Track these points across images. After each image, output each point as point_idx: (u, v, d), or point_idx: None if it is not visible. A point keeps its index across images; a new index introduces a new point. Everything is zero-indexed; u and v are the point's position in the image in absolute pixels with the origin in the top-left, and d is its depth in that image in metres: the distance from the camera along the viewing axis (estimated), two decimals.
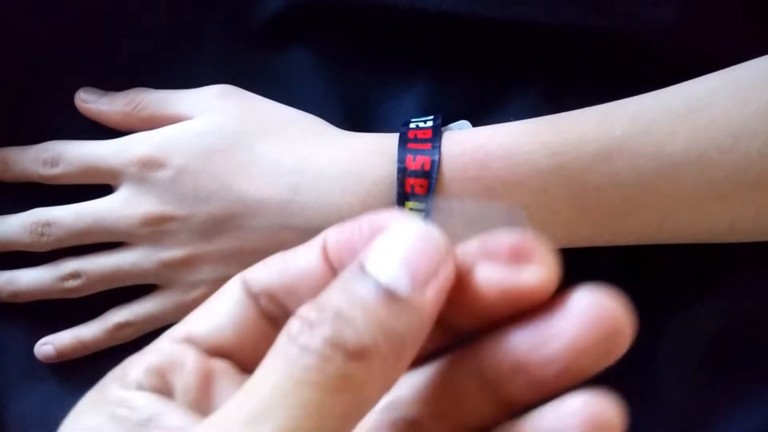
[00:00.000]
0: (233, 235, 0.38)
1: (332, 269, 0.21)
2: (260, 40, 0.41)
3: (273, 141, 0.38)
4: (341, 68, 0.42)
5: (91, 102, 0.41)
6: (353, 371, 0.18)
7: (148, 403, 0.20)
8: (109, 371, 0.23)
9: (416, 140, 0.37)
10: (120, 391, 0.21)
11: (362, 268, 0.19)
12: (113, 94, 0.41)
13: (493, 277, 0.19)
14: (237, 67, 0.41)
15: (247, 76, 0.41)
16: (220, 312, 0.22)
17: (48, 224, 0.40)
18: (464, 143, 0.37)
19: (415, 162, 0.36)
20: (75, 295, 0.40)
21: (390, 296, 0.18)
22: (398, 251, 0.19)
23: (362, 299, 0.18)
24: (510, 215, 0.21)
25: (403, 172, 0.36)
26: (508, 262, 0.19)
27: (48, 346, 0.41)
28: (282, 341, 0.18)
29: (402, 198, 0.36)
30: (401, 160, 0.36)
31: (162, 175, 0.38)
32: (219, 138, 0.38)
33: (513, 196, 0.36)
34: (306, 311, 0.18)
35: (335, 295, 0.19)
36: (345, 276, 0.19)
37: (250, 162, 0.38)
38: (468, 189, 0.36)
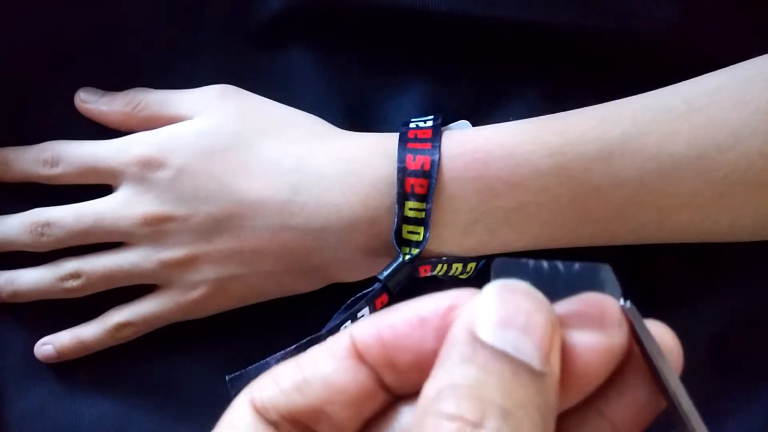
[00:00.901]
0: (233, 235, 0.38)
1: (373, 373, 0.19)
2: (260, 40, 0.41)
3: (273, 141, 0.38)
4: (341, 68, 0.42)
5: (90, 102, 0.41)
6: None
7: None
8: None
9: (416, 140, 0.37)
10: None
11: (477, 339, 0.17)
12: (113, 94, 0.41)
13: (590, 341, 0.18)
14: (237, 67, 0.41)
15: (247, 76, 0.41)
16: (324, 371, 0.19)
17: (48, 224, 0.40)
18: (464, 143, 0.37)
19: (415, 162, 0.36)
20: (75, 296, 0.40)
21: (526, 369, 0.17)
22: (517, 320, 0.17)
23: (503, 378, 0.16)
24: (582, 275, 0.19)
25: (403, 171, 0.36)
26: (596, 325, 0.18)
27: (48, 346, 0.41)
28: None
29: (402, 198, 0.36)
30: (401, 159, 0.36)
31: (162, 175, 0.38)
32: (219, 138, 0.38)
33: (513, 196, 0.36)
34: (459, 410, 0.16)
35: (491, 391, 0.16)
36: (462, 353, 0.17)
37: (250, 162, 0.38)
38: (468, 189, 0.36)
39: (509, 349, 0.17)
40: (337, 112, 0.41)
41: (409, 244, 0.36)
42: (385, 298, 0.36)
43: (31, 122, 0.42)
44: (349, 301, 0.36)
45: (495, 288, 0.18)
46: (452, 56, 0.41)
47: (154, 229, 0.38)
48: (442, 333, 0.18)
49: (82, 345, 0.41)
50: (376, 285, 0.36)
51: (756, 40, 0.39)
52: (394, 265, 0.36)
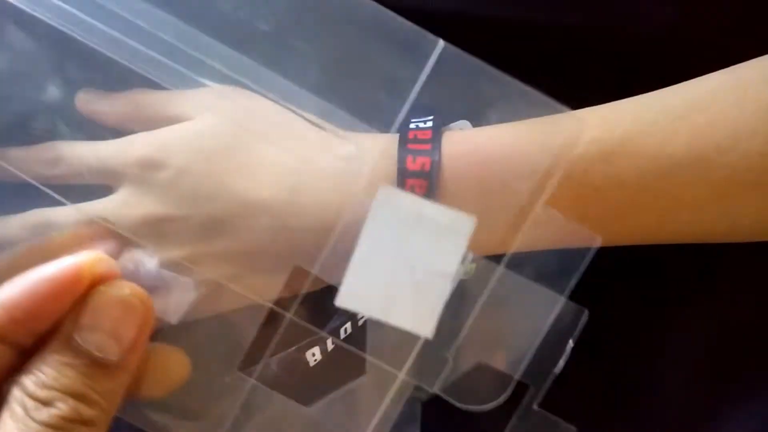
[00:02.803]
0: (233, 235, 0.38)
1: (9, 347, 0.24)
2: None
3: (273, 141, 0.38)
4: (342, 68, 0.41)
5: (91, 102, 0.41)
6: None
7: None
8: None
9: (416, 140, 0.37)
10: None
11: (72, 343, 0.23)
12: (113, 94, 0.41)
13: None
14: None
15: None
16: None
17: (48, 225, 0.40)
18: (464, 144, 0.37)
19: (415, 162, 0.36)
20: None
21: (103, 364, 0.23)
22: (106, 324, 0.23)
23: (81, 373, 0.23)
24: None
25: (403, 172, 0.36)
26: None
27: None
28: (18, 412, 0.22)
29: None
30: (401, 160, 0.36)
31: (162, 175, 0.38)
32: (219, 138, 0.38)
33: (513, 197, 0.36)
34: (34, 390, 0.22)
35: (60, 374, 0.23)
36: (56, 351, 0.23)
37: (250, 163, 0.38)
38: (468, 190, 0.36)
39: (91, 348, 0.23)
40: (338, 112, 0.41)
41: None
42: None
43: (30, 122, 0.42)
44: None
45: (93, 296, 0.24)
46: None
47: (153, 230, 0.38)
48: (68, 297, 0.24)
49: None
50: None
51: (756, 41, 0.38)
52: None
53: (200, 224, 0.38)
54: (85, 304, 0.24)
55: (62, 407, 0.22)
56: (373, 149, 0.38)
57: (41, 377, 0.23)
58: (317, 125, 0.40)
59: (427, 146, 0.37)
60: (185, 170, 0.38)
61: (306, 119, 0.40)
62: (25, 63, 0.41)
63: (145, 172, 0.38)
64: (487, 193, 0.36)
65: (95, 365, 0.23)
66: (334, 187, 0.37)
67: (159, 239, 0.38)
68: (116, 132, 0.41)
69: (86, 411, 0.23)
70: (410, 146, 0.37)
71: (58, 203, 0.40)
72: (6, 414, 0.22)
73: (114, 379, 0.24)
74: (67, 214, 0.40)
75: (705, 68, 0.37)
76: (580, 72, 0.40)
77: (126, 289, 0.25)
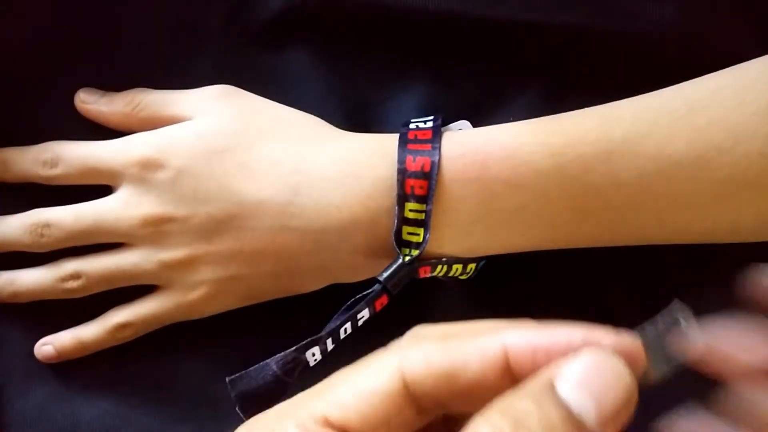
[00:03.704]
0: (233, 236, 0.38)
1: (512, 380, 0.22)
2: (260, 40, 0.41)
3: (273, 142, 0.38)
4: (341, 68, 0.41)
5: (90, 102, 0.41)
6: None
7: None
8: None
9: (416, 141, 0.37)
10: None
11: (553, 388, 0.20)
12: (113, 94, 0.41)
13: None
14: (237, 67, 0.41)
15: (246, 76, 0.41)
16: (375, 405, 0.22)
17: (48, 225, 0.40)
18: (464, 144, 0.37)
19: (415, 163, 0.36)
20: (75, 296, 0.40)
21: (577, 424, 0.20)
22: (591, 382, 0.20)
23: (552, 422, 0.20)
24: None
25: (403, 173, 0.36)
26: None
27: (48, 346, 0.41)
28: None
29: (402, 199, 0.36)
30: (401, 161, 0.36)
31: (161, 175, 0.38)
32: (218, 139, 0.38)
33: (513, 197, 0.35)
34: (499, 422, 0.20)
35: (529, 415, 0.20)
36: (535, 392, 0.20)
37: (250, 163, 0.38)
38: (468, 190, 0.36)
39: (571, 402, 0.20)
40: (337, 112, 0.41)
41: (409, 245, 0.36)
42: (385, 299, 0.36)
43: (32, 122, 0.42)
44: (348, 303, 0.36)
45: (589, 355, 0.21)
46: (452, 56, 0.41)
47: (154, 230, 0.38)
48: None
49: (81, 345, 0.41)
50: (376, 286, 0.36)
51: (756, 41, 0.39)
52: (394, 266, 0.36)
53: (200, 224, 0.38)
54: (575, 359, 0.21)
55: None
56: (374, 149, 0.38)
57: (519, 415, 0.20)
58: (317, 126, 0.40)
59: (427, 146, 0.37)
60: (185, 170, 0.38)
61: (306, 120, 0.40)
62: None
63: (145, 172, 0.38)
64: (487, 194, 0.36)
65: (570, 423, 0.20)
66: (335, 187, 0.37)
67: (159, 239, 0.38)
68: (116, 132, 0.41)
69: None
70: (410, 146, 0.37)
71: (59, 204, 0.40)
72: None
73: None
74: (66, 214, 0.40)
75: (705, 68, 0.37)
76: (580, 72, 0.40)
77: (620, 359, 0.21)
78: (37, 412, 0.42)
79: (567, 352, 0.21)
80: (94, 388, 0.42)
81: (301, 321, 0.39)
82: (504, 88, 0.41)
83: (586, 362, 0.21)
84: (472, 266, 0.38)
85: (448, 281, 0.39)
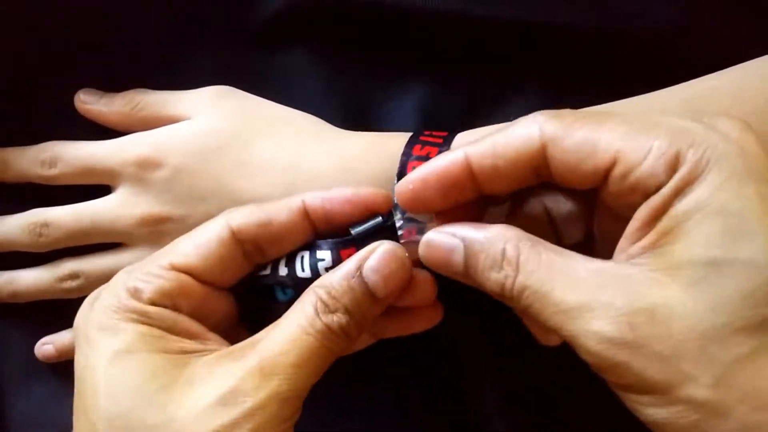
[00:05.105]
0: None
1: (312, 226, 0.32)
2: (260, 40, 0.41)
3: (269, 140, 0.38)
4: (341, 69, 0.41)
5: (90, 103, 0.41)
6: (344, 340, 0.30)
7: (169, 315, 0.30)
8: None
9: (431, 135, 0.37)
10: (140, 305, 0.30)
11: (361, 274, 0.30)
12: (112, 95, 0.41)
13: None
14: (237, 67, 0.41)
15: (246, 76, 0.41)
16: (210, 250, 0.31)
17: (46, 224, 0.40)
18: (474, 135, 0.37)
19: (422, 150, 0.36)
20: (74, 296, 0.41)
21: (373, 296, 0.30)
22: (384, 268, 0.30)
23: (359, 298, 0.30)
24: None
25: (407, 155, 0.35)
26: None
27: (49, 345, 0.41)
28: (309, 311, 0.29)
29: (400, 177, 0.35)
30: (408, 150, 0.36)
31: (159, 175, 0.38)
32: (215, 137, 0.38)
33: None
34: (327, 299, 0.30)
35: (343, 292, 0.30)
36: (348, 274, 0.30)
37: (246, 161, 0.38)
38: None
39: (370, 282, 0.30)
40: (337, 113, 0.41)
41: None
42: (353, 251, 0.33)
43: (31, 123, 0.42)
44: (315, 241, 0.33)
45: (384, 247, 0.30)
46: (452, 57, 0.41)
47: (151, 230, 0.38)
48: (357, 208, 0.32)
49: None
50: (347, 237, 0.33)
51: (756, 40, 0.38)
52: (370, 224, 0.33)
53: (198, 223, 0.38)
54: (377, 251, 0.30)
55: (341, 317, 0.29)
56: (370, 145, 0.38)
57: (333, 290, 0.30)
58: (314, 124, 0.40)
59: (439, 140, 0.36)
60: (182, 169, 0.38)
61: (303, 118, 0.40)
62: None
63: (143, 171, 0.38)
64: None
65: (367, 294, 0.30)
66: (330, 183, 0.37)
67: (157, 239, 0.38)
68: (116, 133, 0.41)
69: (351, 326, 0.30)
70: (422, 138, 0.36)
71: (57, 203, 0.40)
72: (300, 307, 0.30)
73: (374, 309, 0.31)
74: (65, 213, 0.40)
75: (705, 68, 0.37)
76: (580, 72, 0.40)
77: (403, 251, 0.31)
78: (37, 412, 0.42)
79: (344, 203, 0.32)
80: None
81: None
82: (504, 88, 0.41)
83: (381, 253, 0.30)
84: None
85: None
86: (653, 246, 0.26)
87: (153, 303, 0.30)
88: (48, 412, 0.42)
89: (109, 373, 0.28)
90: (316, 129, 0.39)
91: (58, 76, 0.41)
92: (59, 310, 0.41)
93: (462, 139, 0.36)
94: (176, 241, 0.32)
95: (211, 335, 0.31)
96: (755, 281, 0.24)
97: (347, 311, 0.30)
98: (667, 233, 0.25)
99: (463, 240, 0.29)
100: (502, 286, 0.28)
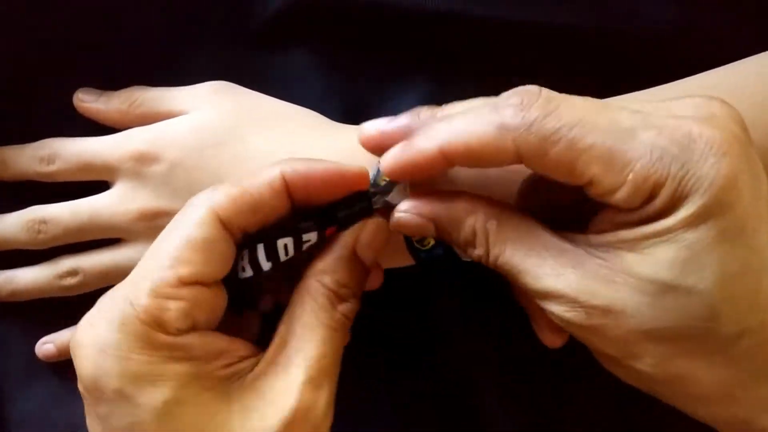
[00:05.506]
0: None
1: (291, 201, 0.31)
2: (260, 40, 0.41)
3: (267, 134, 0.38)
4: (341, 68, 0.42)
5: (88, 101, 0.41)
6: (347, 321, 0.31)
7: (197, 341, 0.29)
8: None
9: None
10: (169, 338, 0.28)
11: (356, 254, 0.31)
12: (110, 93, 0.41)
13: None
14: (236, 67, 0.41)
15: (246, 76, 0.41)
16: (211, 249, 0.29)
17: (44, 221, 0.40)
18: None
19: None
20: (73, 293, 0.41)
21: (366, 269, 0.32)
22: (377, 243, 0.32)
23: (359, 277, 0.32)
24: None
25: None
26: None
27: (49, 344, 0.41)
28: (325, 304, 0.30)
29: None
30: None
31: (156, 169, 0.38)
32: (212, 132, 0.38)
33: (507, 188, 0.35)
34: (337, 288, 0.31)
35: (349, 277, 0.31)
36: (349, 257, 0.31)
37: (244, 155, 0.38)
38: (469, 175, 0.35)
39: (365, 260, 0.32)
40: (337, 112, 0.41)
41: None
42: (334, 230, 0.33)
43: (30, 121, 0.42)
44: (300, 218, 0.33)
45: (373, 223, 0.32)
46: (452, 56, 0.41)
47: (149, 224, 0.38)
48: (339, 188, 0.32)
49: None
50: (329, 216, 0.33)
51: (756, 41, 0.38)
52: (357, 209, 0.33)
53: None
54: (369, 225, 0.31)
55: (352, 302, 0.31)
56: None
57: (339, 278, 0.31)
58: (311, 118, 0.40)
59: None
60: (179, 164, 0.38)
61: (300, 112, 0.40)
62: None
63: (140, 166, 0.38)
64: (490, 185, 0.35)
65: (364, 271, 0.31)
66: None
67: (155, 234, 0.38)
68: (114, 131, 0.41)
69: (356, 307, 0.31)
70: None
71: (56, 200, 0.40)
72: (311, 300, 0.30)
73: (365, 279, 0.32)
74: (63, 210, 0.40)
75: (704, 68, 0.37)
76: (580, 72, 0.40)
77: (386, 223, 0.32)
78: (38, 412, 0.42)
79: (326, 180, 0.31)
80: None
81: None
82: (504, 88, 0.41)
83: (371, 228, 0.31)
84: (430, 240, 0.37)
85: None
86: (613, 247, 0.28)
87: (179, 332, 0.28)
88: (49, 412, 0.42)
89: (164, 429, 0.27)
90: (313, 122, 0.39)
91: (58, 76, 0.41)
92: (59, 309, 0.41)
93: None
94: (166, 245, 0.30)
95: (234, 342, 0.31)
96: (696, 304, 0.27)
97: (355, 295, 0.31)
98: (625, 243, 0.27)
99: (433, 220, 0.31)
100: (479, 259, 0.30)
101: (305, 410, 0.29)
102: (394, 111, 0.41)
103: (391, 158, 0.30)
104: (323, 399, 0.29)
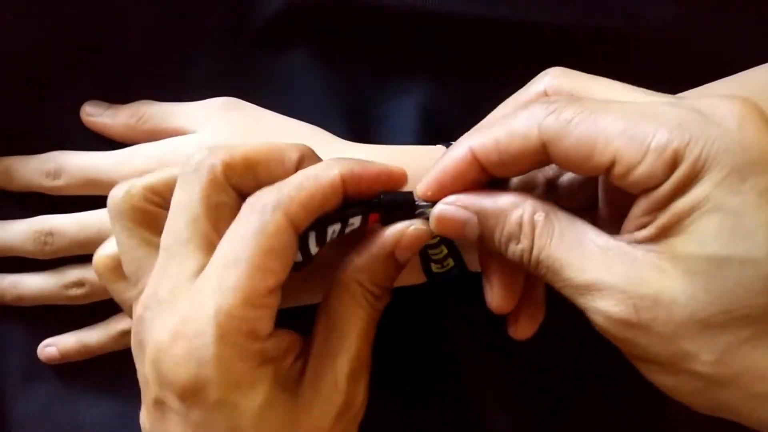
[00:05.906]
0: None
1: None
2: (260, 41, 0.41)
3: None
4: (341, 69, 0.41)
5: (95, 115, 0.41)
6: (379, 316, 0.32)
7: (276, 340, 0.30)
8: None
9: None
10: (262, 345, 0.29)
11: (394, 255, 0.32)
12: (117, 107, 0.41)
13: None
14: (237, 69, 0.41)
15: (246, 77, 0.41)
16: (288, 255, 0.30)
17: (51, 233, 0.40)
18: None
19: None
20: (79, 303, 0.41)
21: (398, 265, 0.32)
22: (415, 247, 0.32)
23: (393, 274, 0.32)
24: None
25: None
26: None
27: (52, 347, 0.41)
28: (363, 303, 0.31)
29: None
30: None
31: None
32: None
33: None
34: (374, 288, 0.31)
35: (384, 276, 0.32)
36: (387, 257, 0.31)
37: None
38: None
39: (399, 257, 0.32)
40: (337, 113, 0.41)
41: None
42: (377, 217, 0.34)
43: (35, 129, 0.42)
44: (348, 205, 0.33)
45: (416, 227, 0.31)
46: (452, 57, 0.41)
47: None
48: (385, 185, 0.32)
49: (85, 349, 0.41)
50: (375, 201, 0.33)
51: (756, 41, 0.39)
52: (400, 200, 0.33)
53: None
54: (406, 230, 0.31)
55: (386, 298, 0.32)
56: (380, 159, 0.38)
57: (376, 278, 0.31)
58: (319, 135, 0.40)
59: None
60: None
61: (309, 130, 0.40)
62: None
63: None
64: None
65: (397, 266, 0.32)
66: None
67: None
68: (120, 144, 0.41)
69: (387, 301, 0.32)
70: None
71: (63, 209, 0.40)
72: (349, 297, 0.31)
73: (397, 277, 0.32)
74: (70, 223, 0.40)
75: (705, 68, 0.37)
76: (581, 72, 0.40)
77: (426, 224, 0.31)
78: (39, 413, 0.42)
79: (376, 178, 0.31)
80: (96, 390, 0.42)
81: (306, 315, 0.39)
82: (504, 88, 0.41)
83: (412, 233, 0.31)
84: (450, 262, 0.38)
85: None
86: (655, 237, 0.27)
87: (267, 337, 0.29)
88: (50, 413, 0.42)
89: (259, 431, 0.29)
90: (321, 140, 0.39)
91: (58, 77, 0.41)
92: (59, 309, 0.41)
93: None
94: (250, 255, 0.29)
95: (291, 335, 0.31)
96: (753, 275, 0.25)
97: (387, 291, 0.32)
98: (667, 228, 0.26)
99: (477, 213, 0.30)
100: (521, 257, 0.29)
101: (349, 403, 0.30)
102: (394, 111, 0.42)
103: (424, 178, 0.31)
104: (362, 390, 0.31)
